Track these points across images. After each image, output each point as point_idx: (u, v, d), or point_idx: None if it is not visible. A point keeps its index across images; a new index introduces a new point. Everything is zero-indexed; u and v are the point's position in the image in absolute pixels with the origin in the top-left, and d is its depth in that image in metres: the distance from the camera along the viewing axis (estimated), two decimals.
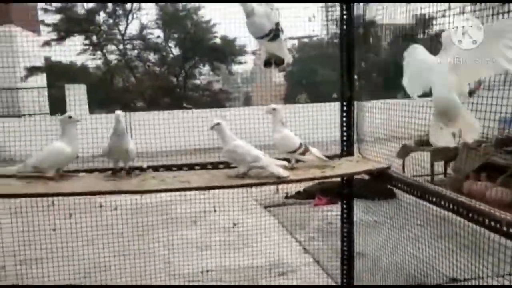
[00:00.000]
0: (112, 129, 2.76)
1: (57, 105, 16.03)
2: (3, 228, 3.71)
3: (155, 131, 5.45)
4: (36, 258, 4.17)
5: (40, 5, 18.63)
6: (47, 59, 18.74)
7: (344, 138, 3.29)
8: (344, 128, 3.29)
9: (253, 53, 18.21)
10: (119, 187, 2.56)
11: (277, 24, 2.84)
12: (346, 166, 2.93)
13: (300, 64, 20.55)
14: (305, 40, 19.50)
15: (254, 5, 2.75)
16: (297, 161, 2.92)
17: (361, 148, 3.26)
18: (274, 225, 6.13)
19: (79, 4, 18.17)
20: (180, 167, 3.13)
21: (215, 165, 3.14)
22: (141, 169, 3.02)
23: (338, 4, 3.25)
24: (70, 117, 2.82)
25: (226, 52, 19.36)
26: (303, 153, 2.90)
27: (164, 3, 17.43)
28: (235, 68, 20.57)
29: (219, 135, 2.80)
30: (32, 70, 17.44)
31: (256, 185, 3.01)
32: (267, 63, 3.05)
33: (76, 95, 14.63)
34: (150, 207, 5.10)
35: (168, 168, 3.09)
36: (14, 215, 3.56)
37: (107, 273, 4.24)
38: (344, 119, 3.28)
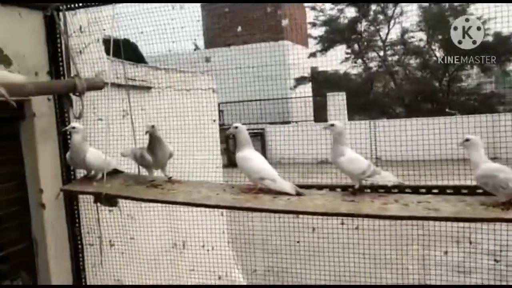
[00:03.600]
0: None
1: (320, 113, 17.16)
2: (255, 235, 4.06)
3: (413, 138, 5.05)
4: (283, 267, 4.28)
5: (309, 19, 20.29)
6: (313, 69, 20.23)
7: None
8: None
9: None
10: (359, 210, 2.43)
11: None
12: None
13: None
14: None
15: None
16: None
17: None
18: None
19: (341, 15, 19.04)
20: (429, 190, 2.80)
21: (471, 190, 2.69)
22: (387, 189, 2.83)
23: None
24: None
25: (500, 51, 17.03)
26: None
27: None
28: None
29: (469, 152, 2.39)
30: (300, 80, 19.14)
31: None
32: None
33: (336, 103, 15.28)
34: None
35: (415, 189, 2.80)
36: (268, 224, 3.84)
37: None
38: None
